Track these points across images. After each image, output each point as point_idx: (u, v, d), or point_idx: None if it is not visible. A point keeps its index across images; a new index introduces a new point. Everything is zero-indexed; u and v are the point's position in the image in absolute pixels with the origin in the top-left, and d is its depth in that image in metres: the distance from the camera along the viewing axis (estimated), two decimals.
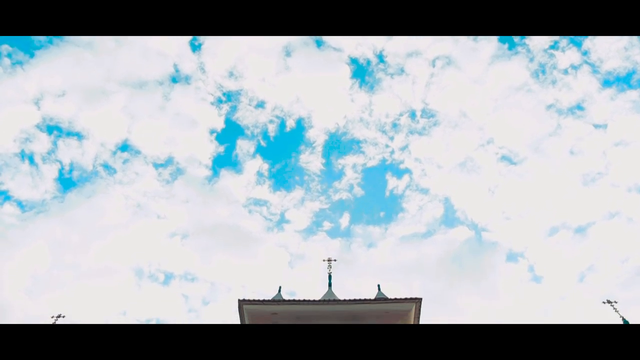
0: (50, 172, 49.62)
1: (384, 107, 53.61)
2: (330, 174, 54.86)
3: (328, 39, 49.85)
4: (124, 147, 50.44)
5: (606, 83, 49.00)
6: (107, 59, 49.34)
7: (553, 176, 51.99)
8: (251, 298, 16.83)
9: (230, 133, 55.30)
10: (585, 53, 48.29)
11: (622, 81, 49.08)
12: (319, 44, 51.64)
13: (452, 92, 53.19)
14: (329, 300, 17.26)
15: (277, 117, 53.02)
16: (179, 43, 49.14)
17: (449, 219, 55.64)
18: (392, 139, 53.52)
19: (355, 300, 16.78)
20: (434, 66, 52.34)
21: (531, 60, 50.11)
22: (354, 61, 52.66)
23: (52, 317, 18.89)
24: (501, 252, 54.04)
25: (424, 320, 17.23)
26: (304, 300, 16.87)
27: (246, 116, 52.98)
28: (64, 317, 19.08)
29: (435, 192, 54.61)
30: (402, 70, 52.48)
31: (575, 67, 48.96)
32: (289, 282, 53.99)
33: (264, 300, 16.88)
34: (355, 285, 47.81)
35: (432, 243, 54.41)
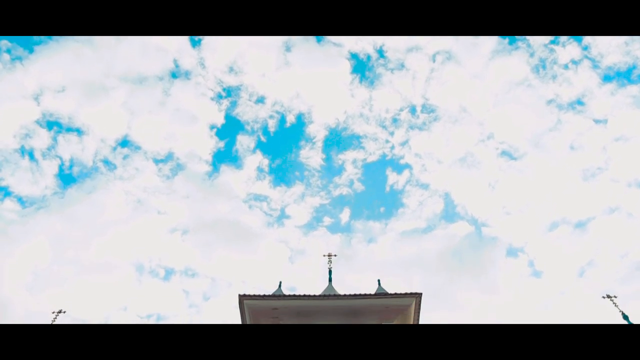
0: (50, 168, 49.65)
1: (384, 102, 53.62)
2: (331, 169, 54.88)
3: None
4: (124, 142, 50.45)
5: (606, 78, 48.97)
6: (107, 55, 49.30)
7: (553, 171, 52.02)
8: (252, 293, 16.85)
9: (230, 128, 55.34)
10: (585, 48, 48.23)
11: (622, 76, 49.03)
12: (318, 40, 51.56)
13: (453, 87, 53.16)
14: (330, 295, 17.31)
15: (277, 112, 53.00)
16: (179, 39, 49.04)
17: (449, 214, 55.71)
18: (392, 134, 53.52)
19: (355, 295, 16.81)
20: (434, 61, 52.28)
21: (531, 55, 50.05)
22: (354, 56, 52.60)
23: (53, 312, 18.95)
24: (501, 247, 54.13)
25: (424, 315, 17.30)
26: (305, 296, 16.90)
27: (246, 111, 52.97)
28: (64, 312, 19.14)
29: (436, 187, 54.66)
30: (402, 66, 52.42)
31: (575, 62, 48.91)
32: (290, 278, 54.15)
33: (264, 296, 16.92)
34: (356, 280, 47.85)
35: (432, 238, 54.50)
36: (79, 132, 49.26)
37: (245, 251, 54.96)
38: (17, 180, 48.59)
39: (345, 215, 54.62)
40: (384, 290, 18.06)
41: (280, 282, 19.05)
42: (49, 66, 48.51)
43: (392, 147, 53.73)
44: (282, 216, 54.03)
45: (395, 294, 16.89)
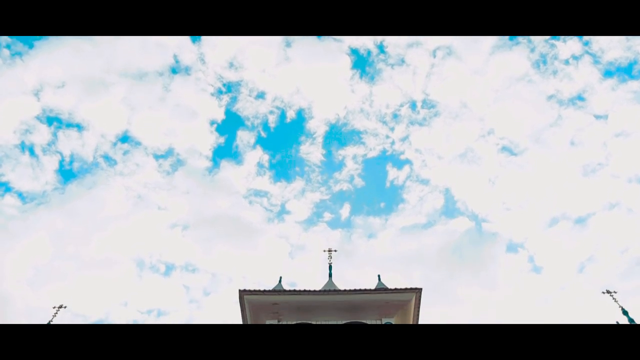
0: (50, 163, 49.64)
1: (384, 97, 53.55)
2: (331, 165, 54.89)
3: None
4: (124, 138, 50.42)
5: (607, 73, 48.87)
6: (107, 50, 49.18)
7: (553, 167, 52.00)
8: (252, 288, 16.87)
9: (230, 124, 55.28)
10: (586, 43, 48.10)
11: (623, 72, 48.96)
12: (319, 35, 51.38)
13: (453, 83, 53.07)
14: (330, 290, 17.32)
15: (278, 108, 52.95)
16: None
17: (449, 209, 55.76)
18: (392, 129, 53.48)
19: (355, 290, 16.83)
20: (434, 57, 52.19)
21: (532, 50, 49.95)
22: (354, 52, 52.50)
23: (54, 307, 18.98)
24: (501, 243, 54.19)
25: (424, 310, 17.34)
26: (305, 291, 16.92)
27: (246, 107, 52.91)
28: (65, 307, 19.17)
29: (436, 182, 54.66)
30: (402, 61, 52.33)
31: (576, 58, 48.82)
32: (290, 273, 54.17)
33: (264, 291, 16.94)
34: (356, 275, 48.02)
35: (433, 234, 54.54)
36: (79, 127, 49.26)
37: (246, 247, 55.05)
38: (17, 175, 48.64)
39: (345, 210, 54.69)
40: (384, 285, 18.07)
41: (281, 278, 19.09)
42: (48, 62, 48.49)
43: (393, 143, 53.72)
44: (283, 212, 54.09)
45: (396, 289, 16.89)
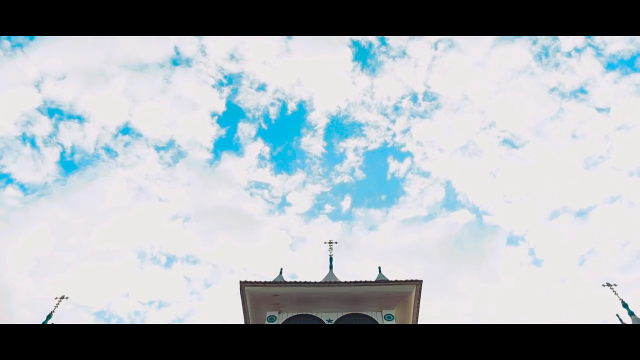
0: (51, 155, 49.67)
1: (385, 90, 53.39)
2: (332, 157, 54.84)
3: None
4: (125, 130, 50.40)
5: (610, 66, 48.66)
6: (107, 42, 49.00)
7: (555, 160, 51.92)
8: (253, 280, 16.91)
9: (231, 116, 55.21)
10: (589, 36, 47.82)
11: (626, 64, 48.72)
12: None
13: (454, 75, 52.92)
14: (330, 282, 17.34)
15: (279, 100, 52.84)
16: None
17: (450, 202, 55.75)
18: (393, 122, 53.37)
19: (356, 282, 16.86)
20: (436, 49, 51.99)
21: (534, 43, 49.71)
22: (355, 44, 52.30)
23: (56, 298, 19.07)
24: (502, 236, 54.25)
25: (425, 302, 17.36)
26: (305, 282, 16.94)
27: (247, 99, 52.81)
28: (67, 298, 19.25)
29: (437, 175, 54.64)
30: (404, 53, 52.13)
31: (578, 50, 48.60)
32: (291, 265, 54.36)
33: (265, 282, 16.97)
34: (357, 267, 48.14)
35: (433, 226, 54.60)
36: (80, 119, 49.23)
37: (247, 238, 55.16)
38: (18, 167, 48.69)
39: (346, 203, 54.72)
40: (385, 277, 18.10)
41: (282, 269, 19.14)
42: (49, 53, 48.38)
43: (394, 135, 53.64)
44: (283, 204, 54.14)
45: (396, 281, 16.92)
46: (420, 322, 17.26)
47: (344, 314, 16.81)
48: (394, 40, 51.27)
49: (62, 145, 49.60)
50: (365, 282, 16.90)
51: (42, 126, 48.46)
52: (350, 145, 53.80)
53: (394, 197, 56.79)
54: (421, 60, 52.38)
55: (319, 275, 20.82)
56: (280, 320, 16.64)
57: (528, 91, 50.85)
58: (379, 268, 19.10)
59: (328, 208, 54.34)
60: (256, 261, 52.61)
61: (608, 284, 19.23)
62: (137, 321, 51.51)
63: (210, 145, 53.35)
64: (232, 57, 51.78)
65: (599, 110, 49.29)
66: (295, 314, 16.88)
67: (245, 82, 52.60)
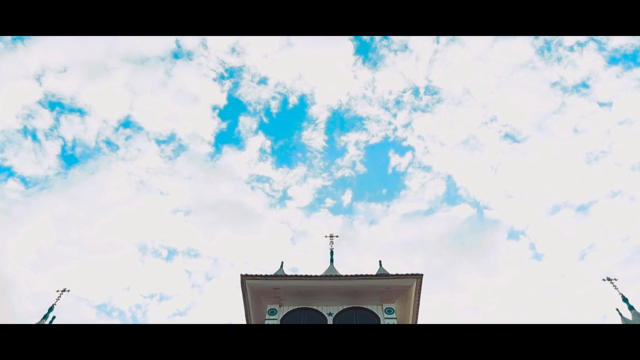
0: (53, 148, 49.69)
1: (387, 84, 53.27)
2: (333, 151, 54.81)
3: None
4: (126, 123, 50.38)
5: (612, 61, 48.49)
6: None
7: (556, 154, 51.86)
8: (254, 273, 16.97)
9: (232, 109, 55.13)
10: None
11: (628, 59, 48.53)
12: None
13: (456, 69, 52.76)
14: (331, 275, 17.36)
15: (280, 93, 52.75)
16: None
17: (451, 196, 55.74)
18: (395, 116, 53.29)
19: (357, 275, 16.88)
20: (437, 43, 51.81)
21: (536, 37, 49.50)
22: (357, 37, 52.12)
23: (57, 291, 19.16)
24: (503, 230, 54.27)
25: (425, 296, 17.40)
26: (306, 276, 16.98)
27: (248, 92, 52.74)
28: (69, 291, 19.34)
29: (438, 169, 54.62)
30: (405, 47, 51.96)
31: (581, 45, 48.40)
32: (292, 258, 54.54)
33: (266, 276, 17.01)
34: (357, 261, 48.23)
35: (434, 220, 54.64)
36: (81, 112, 49.20)
37: (248, 232, 55.27)
38: (20, 160, 48.73)
39: (347, 197, 54.74)
40: (385, 271, 18.12)
41: (282, 263, 19.18)
42: (50, 46, 48.30)
43: (395, 129, 53.58)
44: (284, 197, 54.17)
45: (397, 274, 16.96)
46: (420, 315, 17.32)
47: (345, 307, 16.87)
48: None
49: (63, 139, 49.65)
50: (366, 275, 16.93)
51: (43, 119, 48.49)
52: (351, 139, 53.80)
53: (395, 191, 56.82)
54: (423, 54, 52.27)
55: (319, 269, 20.90)
56: (281, 313, 16.69)
57: (530, 85, 50.77)
58: (380, 262, 19.14)
59: (329, 202, 54.40)
60: (257, 255, 52.76)
61: (608, 279, 19.28)
62: (139, 314, 51.74)
63: (212, 139, 53.37)
64: (233, 50, 51.70)
65: (601, 104, 49.19)
66: (296, 307, 16.94)
67: (247, 76, 52.54)
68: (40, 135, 48.90)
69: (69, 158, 51.98)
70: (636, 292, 18.66)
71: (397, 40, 51.44)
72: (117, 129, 50.12)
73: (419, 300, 17.02)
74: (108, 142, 50.15)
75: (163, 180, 52.45)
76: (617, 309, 18.24)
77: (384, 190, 57.19)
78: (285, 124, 56.71)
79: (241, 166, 54.31)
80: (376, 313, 16.61)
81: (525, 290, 52.28)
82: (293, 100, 53.39)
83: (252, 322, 17.36)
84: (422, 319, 17.46)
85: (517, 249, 54.15)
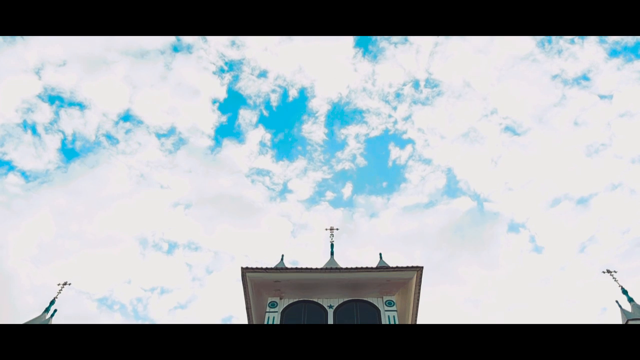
0: (53, 142, 49.67)
1: (387, 76, 53.17)
2: (333, 144, 54.78)
3: None
4: (126, 117, 50.32)
5: (613, 53, 48.34)
6: None
7: (556, 147, 51.82)
8: (254, 266, 16.99)
9: (232, 103, 55.08)
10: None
11: (629, 51, 48.39)
12: None
13: (456, 62, 52.64)
14: (331, 268, 17.36)
15: (280, 86, 52.65)
16: None
17: (452, 189, 55.77)
18: (395, 109, 53.22)
19: (357, 268, 16.90)
20: (438, 35, 51.61)
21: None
22: None
23: (59, 284, 19.21)
24: (503, 223, 54.34)
25: (425, 289, 17.43)
26: (307, 269, 17.00)
27: (248, 86, 52.64)
28: (70, 285, 19.39)
29: (438, 162, 54.62)
30: (405, 40, 51.80)
31: (581, 37, 48.23)
32: (292, 251, 54.66)
33: (266, 269, 17.03)
34: (358, 254, 48.33)
35: (434, 213, 54.70)
36: (81, 106, 49.13)
37: (248, 225, 55.36)
38: (20, 154, 48.74)
39: (347, 190, 54.77)
40: (386, 264, 18.16)
41: (283, 256, 19.21)
42: (49, 40, 48.10)
43: (395, 122, 53.51)
44: (285, 190, 54.22)
45: (397, 267, 16.98)
46: (421, 308, 17.36)
47: (345, 300, 16.89)
48: None
49: (63, 133, 49.61)
50: (366, 268, 16.95)
51: (43, 113, 48.43)
52: (351, 132, 53.74)
53: (395, 184, 56.84)
54: (423, 46, 52.13)
55: (320, 262, 20.92)
56: (281, 306, 16.73)
57: (530, 78, 50.68)
58: (380, 254, 19.18)
59: (329, 195, 54.43)
60: (257, 248, 52.87)
61: (608, 271, 19.32)
62: (140, 308, 51.92)
63: (212, 132, 53.33)
64: (233, 43, 51.54)
65: (602, 97, 49.11)
66: (297, 300, 16.97)
67: (247, 69, 52.41)
68: (40, 129, 48.90)
69: (69, 152, 52.02)
70: (636, 284, 18.73)
71: None
72: (117, 123, 50.11)
73: (419, 293, 17.05)
74: (108, 136, 50.14)
75: (163, 174, 52.50)
76: (617, 302, 18.29)
77: (384, 183, 57.24)
78: (285, 117, 56.68)
79: (241, 159, 54.35)
80: (377, 305, 16.63)
81: (525, 282, 52.44)
82: (293, 93, 53.32)
83: (253, 315, 17.40)
84: (423, 312, 17.55)
85: (517, 242, 54.27)
